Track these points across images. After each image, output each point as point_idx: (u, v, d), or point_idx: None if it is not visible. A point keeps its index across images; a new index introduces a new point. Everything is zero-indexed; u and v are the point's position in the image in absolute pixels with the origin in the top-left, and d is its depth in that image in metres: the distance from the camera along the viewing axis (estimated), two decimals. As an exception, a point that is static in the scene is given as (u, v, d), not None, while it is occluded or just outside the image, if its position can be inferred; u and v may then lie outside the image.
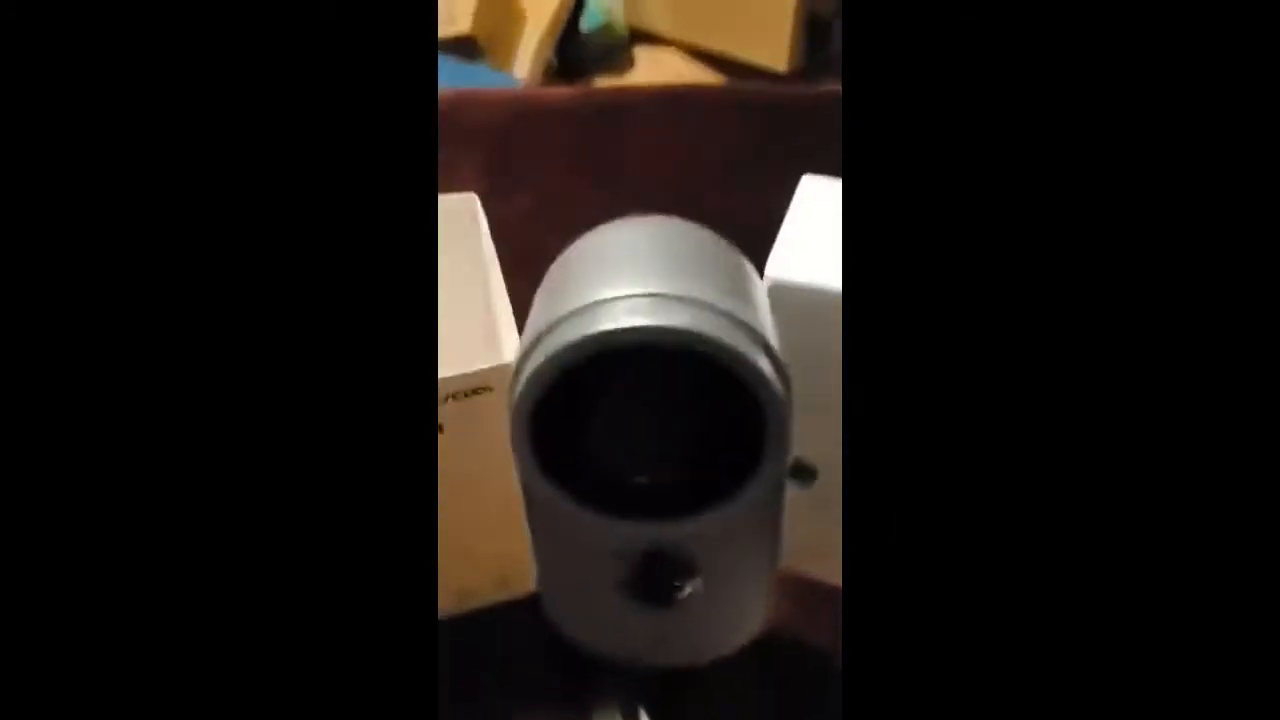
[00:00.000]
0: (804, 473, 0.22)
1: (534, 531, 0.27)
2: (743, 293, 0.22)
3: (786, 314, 0.23)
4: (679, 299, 0.21)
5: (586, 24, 1.25)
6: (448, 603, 0.41)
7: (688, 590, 0.27)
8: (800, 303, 0.23)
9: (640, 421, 0.22)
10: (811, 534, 0.39)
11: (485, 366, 0.30)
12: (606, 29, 1.25)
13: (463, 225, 0.36)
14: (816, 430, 0.33)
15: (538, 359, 0.21)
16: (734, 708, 0.39)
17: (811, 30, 1.18)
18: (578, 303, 0.21)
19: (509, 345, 0.32)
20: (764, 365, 0.21)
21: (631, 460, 0.23)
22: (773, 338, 0.22)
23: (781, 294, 0.24)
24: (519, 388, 0.22)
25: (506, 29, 1.21)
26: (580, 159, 0.46)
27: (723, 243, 0.24)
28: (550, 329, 0.21)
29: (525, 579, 0.42)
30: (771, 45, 1.09)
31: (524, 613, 0.42)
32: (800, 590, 0.43)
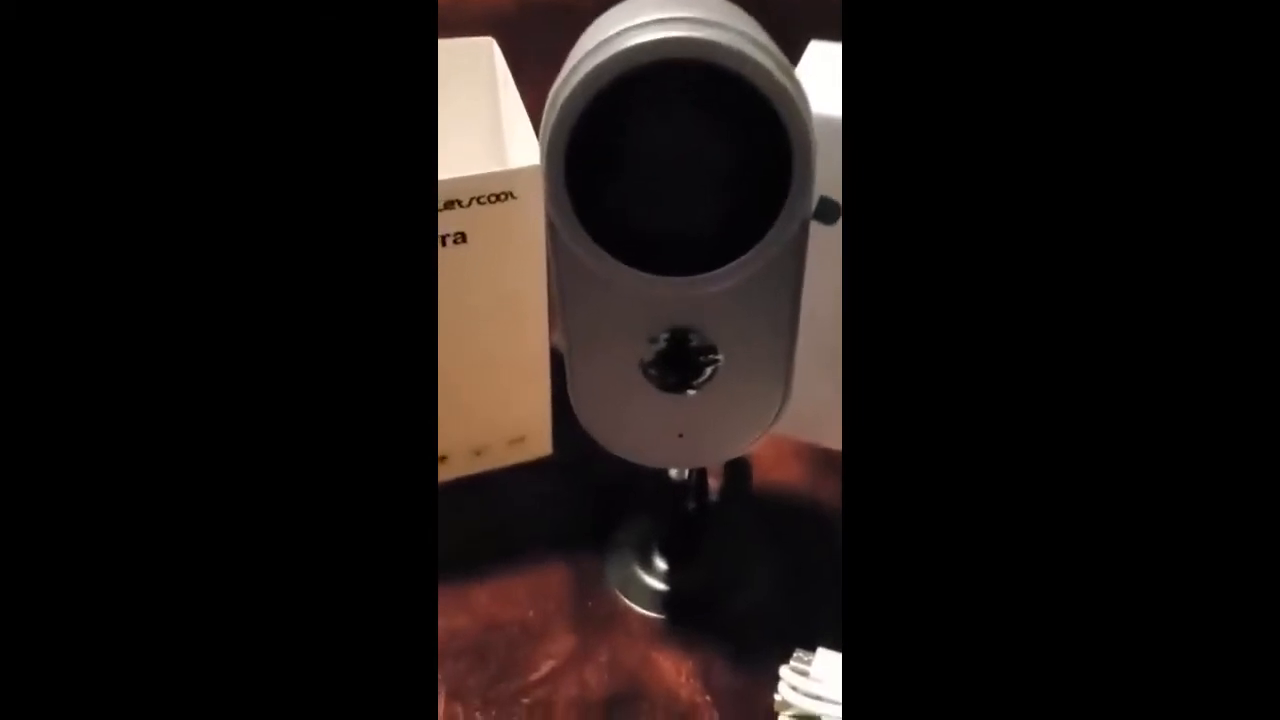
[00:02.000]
0: (828, 209, 0.23)
1: (565, 314, 0.27)
2: (768, 38, 0.23)
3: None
4: (707, 22, 0.21)
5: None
6: (461, 461, 0.41)
7: (709, 372, 0.28)
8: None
9: (670, 163, 0.23)
10: (821, 403, 0.40)
11: (508, 167, 0.31)
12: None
13: (480, 62, 0.37)
14: (823, 281, 0.33)
15: (569, 88, 0.22)
16: (740, 553, 0.39)
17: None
18: (605, 36, 0.22)
19: (533, 156, 0.32)
20: (789, 86, 0.21)
21: (663, 207, 0.23)
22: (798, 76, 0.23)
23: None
24: (551, 121, 0.22)
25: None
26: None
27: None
28: (579, 63, 0.22)
29: (542, 440, 0.42)
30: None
31: (540, 474, 0.43)
32: (810, 457, 0.44)
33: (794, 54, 0.40)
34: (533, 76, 0.35)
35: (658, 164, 0.23)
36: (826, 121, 0.33)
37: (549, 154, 0.23)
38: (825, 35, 0.40)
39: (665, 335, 0.27)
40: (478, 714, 0.34)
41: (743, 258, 0.24)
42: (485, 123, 0.35)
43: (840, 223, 0.23)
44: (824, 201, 0.23)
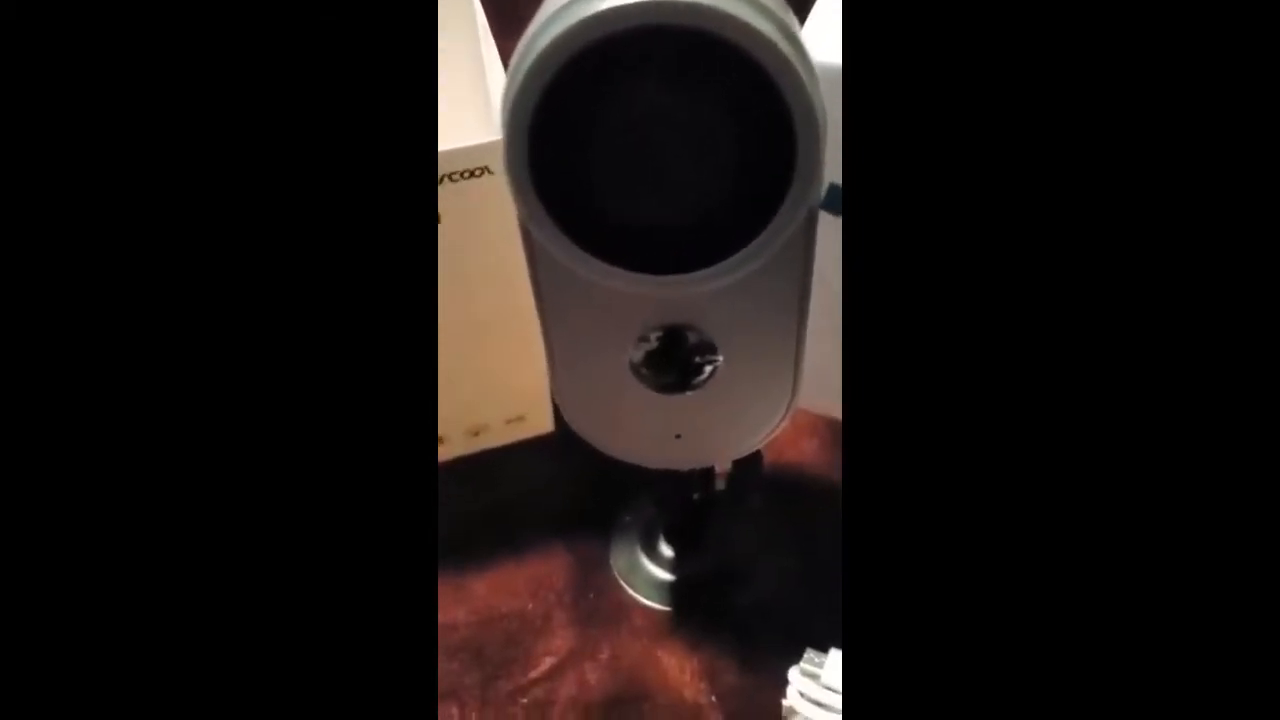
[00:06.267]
0: (841, 197, 0.20)
1: (542, 313, 0.24)
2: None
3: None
4: (692, -22, 0.18)
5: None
6: (457, 442, 0.39)
7: (708, 371, 0.25)
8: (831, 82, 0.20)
9: (652, 145, 0.20)
10: (838, 372, 0.37)
11: (482, 141, 0.27)
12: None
13: (458, 14, 0.33)
14: (837, 243, 0.30)
15: (531, 56, 0.18)
16: (750, 541, 0.37)
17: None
18: (575, -5, 0.18)
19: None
20: (793, 57, 0.18)
21: (646, 195, 0.20)
22: (806, 44, 0.19)
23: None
24: (512, 96, 0.19)
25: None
26: None
27: None
28: (542, 28, 0.18)
29: (542, 417, 0.40)
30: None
31: (541, 452, 0.41)
32: (826, 433, 0.41)
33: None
34: (519, 32, 0.32)
35: (638, 146, 0.19)
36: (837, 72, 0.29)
37: (510, 135, 0.19)
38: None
39: (657, 334, 0.24)
40: (474, 715, 0.32)
41: (740, 253, 0.20)
42: (465, 85, 0.32)
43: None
44: (835, 189, 0.19)
